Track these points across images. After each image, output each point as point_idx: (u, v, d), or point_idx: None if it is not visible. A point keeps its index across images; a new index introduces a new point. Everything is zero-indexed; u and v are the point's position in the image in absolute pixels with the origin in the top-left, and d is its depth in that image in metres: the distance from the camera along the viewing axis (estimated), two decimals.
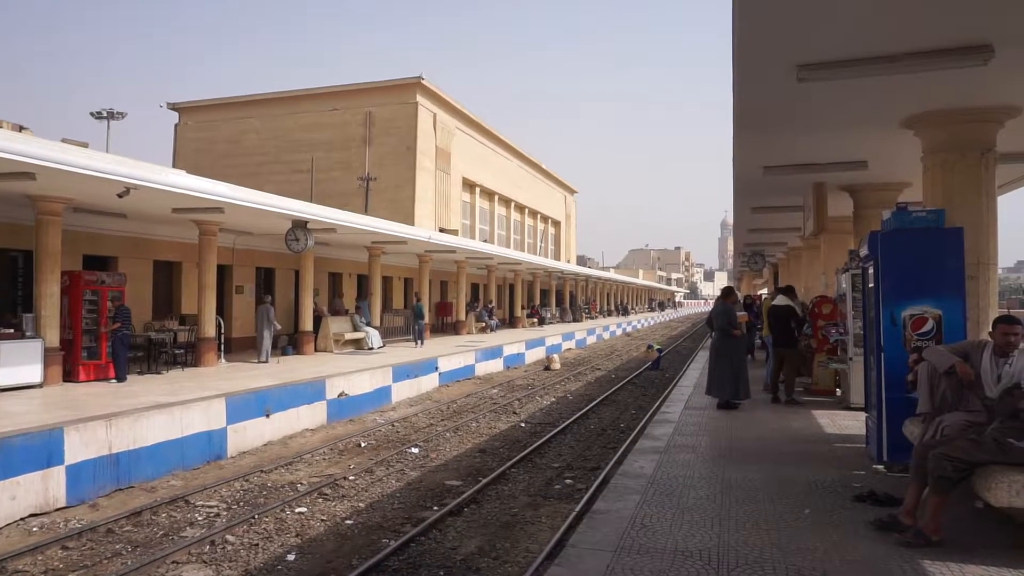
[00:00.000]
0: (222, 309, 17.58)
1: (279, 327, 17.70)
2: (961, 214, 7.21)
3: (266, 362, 16.47)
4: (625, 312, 66.94)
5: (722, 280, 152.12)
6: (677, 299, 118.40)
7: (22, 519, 7.70)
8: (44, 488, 7.97)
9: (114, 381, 12.57)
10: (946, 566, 4.31)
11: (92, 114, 36.28)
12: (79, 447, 8.40)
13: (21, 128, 12.94)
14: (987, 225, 7.53)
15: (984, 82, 6.63)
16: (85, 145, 15.15)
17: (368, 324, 20.85)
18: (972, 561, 4.38)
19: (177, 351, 15.07)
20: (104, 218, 14.54)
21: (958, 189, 7.51)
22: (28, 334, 11.73)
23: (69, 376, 12.50)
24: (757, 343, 17.15)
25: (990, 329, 5.46)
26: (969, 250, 6.73)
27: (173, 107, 40.14)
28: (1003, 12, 5.24)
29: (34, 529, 7.51)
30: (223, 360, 16.05)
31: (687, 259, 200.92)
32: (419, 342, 22.17)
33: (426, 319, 23.47)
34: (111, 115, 35.92)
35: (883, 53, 5.80)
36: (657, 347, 25.33)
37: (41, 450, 7.99)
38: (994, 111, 7.38)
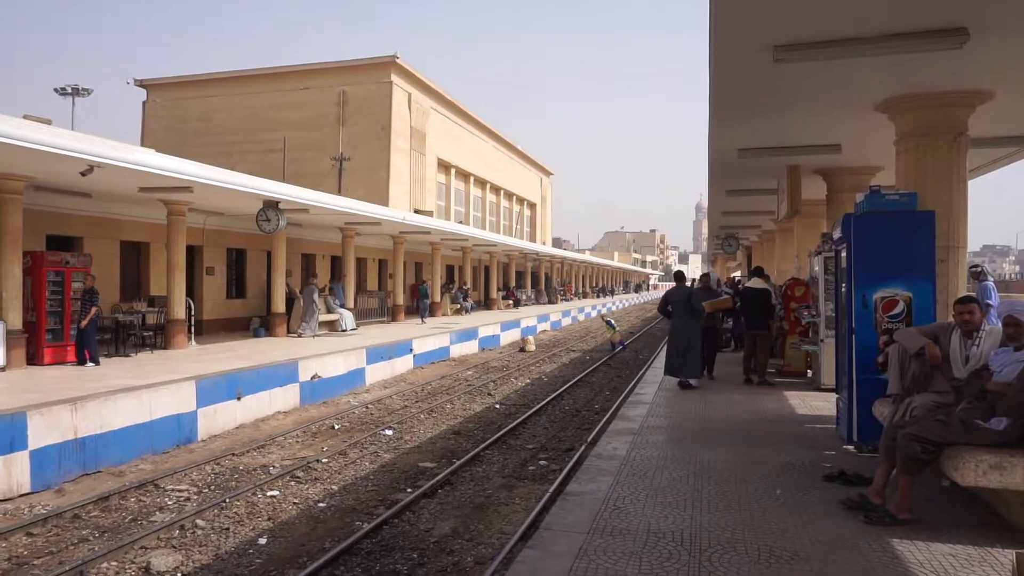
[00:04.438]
0: (192, 291, 17.29)
1: (318, 307, 18.94)
2: (933, 198, 7.26)
3: (312, 336, 18.15)
4: (612, 293, 67.94)
5: (696, 263, 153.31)
6: (652, 282, 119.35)
7: None
8: (7, 474, 7.78)
9: (78, 364, 12.28)
10: (914, 544, 4.37)
11: (56, 90, 35.35)
12: (43, 431, 8.21)
13: None
14: (957, 209, 7.59)
15: (958, 66, 6.65)
16: (48, 122, 14.71)
17: (342, 306, 20.66)
18: (939, 539, 4.45)
19: (146, 333, 14.79)
20: (68, 197, 14.16)
21: (930, 173, 7.55)
22: None
23: (33, 359, 12.20)
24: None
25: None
26: (940, 234, 6.80)
27: (141, 84, 39.12)
28: None
29: None
30: (194, 342, 15.81)
31: (662, 242, 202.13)
32: (424, 319, 24.83)
33: (430, 299, 26.54)
34: (76, 91, 35.00)
35: (860, 34, 5.77)
36: (614, 325, 25.23)
37: (3, 435, 7.78)
38: (967, 95, 7.42)
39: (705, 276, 13.60)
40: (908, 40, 5.72)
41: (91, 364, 12.13)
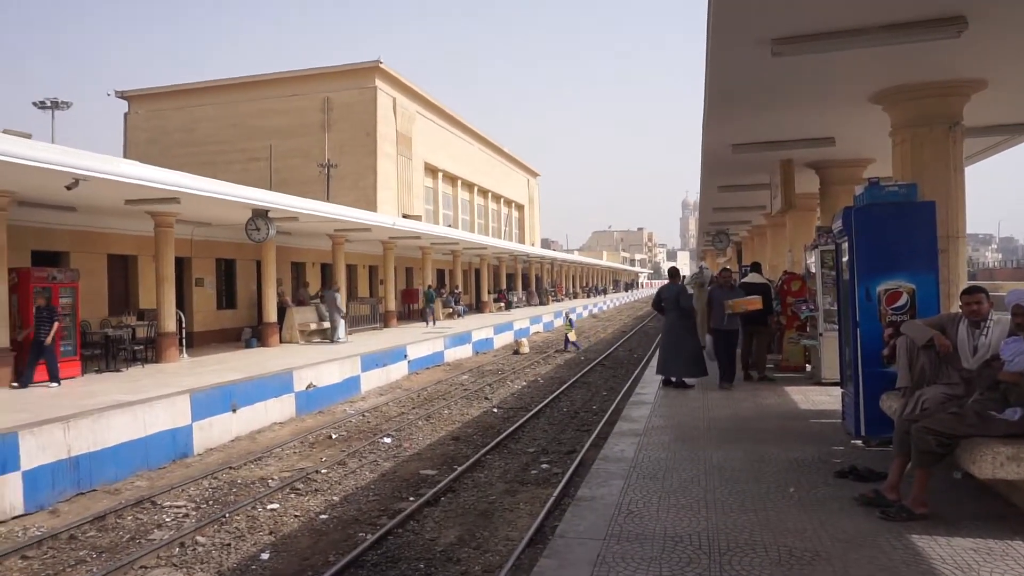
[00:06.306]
0: (182, 303, 17.07)
1: (343, 311, 19.78)
2: (931, 188, 7.24)
3: (344, 342, 18.77)
4: (603, 292, 68.57)
5: (684, 260, 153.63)
6: (641, 280, 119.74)
7: None
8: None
9: (65, 380, 11.95)
10: (934, 540, 4.30)
11: (35, 104, 34.88)
12: (36, 451, 8.02)
13: None
14: (956, 198, 7.59)
15: (953, 56, 6.64)
16: (28, 136, 14.48)
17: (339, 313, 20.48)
18: (959, 534, 4.38)
19: (136, 347, 14.56)
20: (53, 212, 13.93)
21: (927, 163, 7.54)
22: None
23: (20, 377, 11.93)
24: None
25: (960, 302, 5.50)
26: (939, 223, 6.76)
27: (122, 95, 38.76)
28: None
29: None
30: (185, 355, 15.60)
31: (650, 240, 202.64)
32: (431, 322, 25.83)
33: (434, 303, 27.18)
34: (55, 104, 34.56)
35: (858, 25, 5.74)
36: (574, 324, 26.25)
37: None
38: (963, 84, 7.41)
39: (725, 271, 11.45)
40: (907, 30, 5.70)
41: (54, 384, 11.49)
